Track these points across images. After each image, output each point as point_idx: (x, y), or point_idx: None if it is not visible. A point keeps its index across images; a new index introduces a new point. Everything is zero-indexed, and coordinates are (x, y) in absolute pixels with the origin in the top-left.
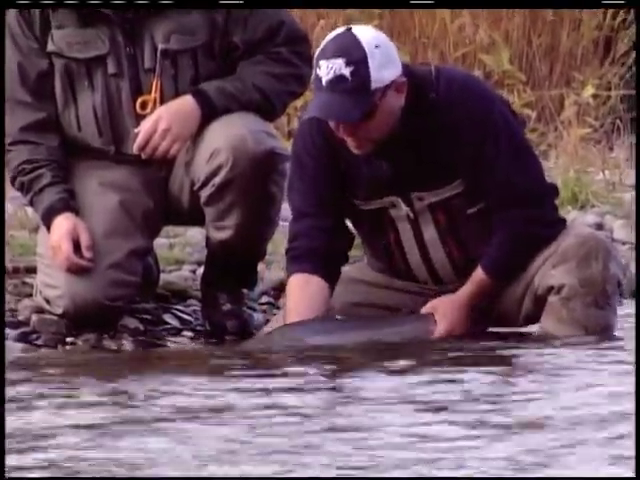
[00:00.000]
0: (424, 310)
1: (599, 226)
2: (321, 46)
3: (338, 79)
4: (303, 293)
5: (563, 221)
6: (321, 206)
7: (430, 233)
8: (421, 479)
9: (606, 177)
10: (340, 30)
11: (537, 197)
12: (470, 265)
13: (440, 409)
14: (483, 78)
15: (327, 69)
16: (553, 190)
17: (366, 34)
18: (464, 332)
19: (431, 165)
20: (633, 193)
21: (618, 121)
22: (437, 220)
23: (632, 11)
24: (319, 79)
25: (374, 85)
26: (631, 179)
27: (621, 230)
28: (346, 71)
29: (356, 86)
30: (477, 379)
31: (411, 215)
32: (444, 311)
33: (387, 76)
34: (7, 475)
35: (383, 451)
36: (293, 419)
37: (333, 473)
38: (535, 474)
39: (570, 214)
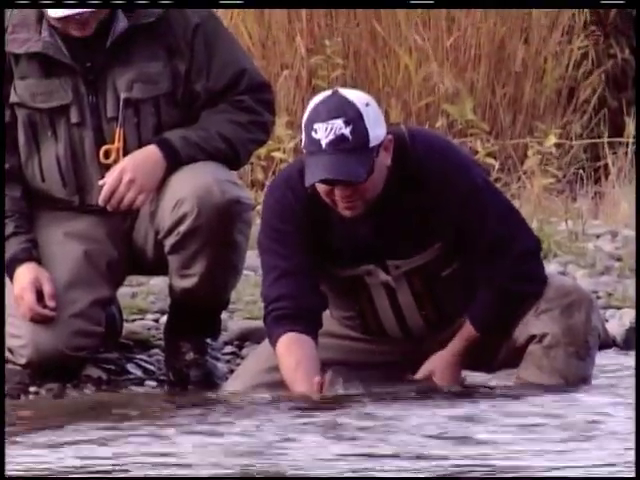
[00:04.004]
0: (421, 374)
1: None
2: (309, 110)
3: (339, 139)
4: (304, 352)
5: (546, 277)
6: (304, 265)
7: (405, 298)
8: (423, 479)
9: (569, 227)
10: (326, 93)
11: (524, 254)
12: (443, 320)
13: None
14: (446, 127)
15: (326, 131)
16: (539, 245)
17: (353, 94)
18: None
19: (411, 233)
20: (596, 243)
21: (581, 171)
22: (412, 285)
23: (593, 56)
24: (316, 142)
25: (372, 143)
26: (593, 229)
27: (584, 280)
28: (346, 131)
29: (357, 145)
30: None
31: (392, 283)
32: (442, 373)
33: (380, 134)
34: (7, 475)
35: None
36: None
37: None
38: None
39: None
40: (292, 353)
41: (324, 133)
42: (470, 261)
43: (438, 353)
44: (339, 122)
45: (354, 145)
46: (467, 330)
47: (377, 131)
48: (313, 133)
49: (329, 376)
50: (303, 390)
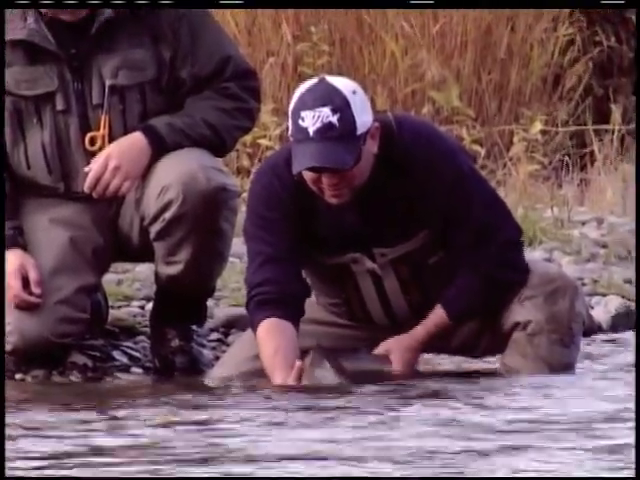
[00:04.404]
0: (379, 351)
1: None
2: (295, 98)
3: (327, 127)
4: (284, 337)
5: (528, 266)
6: (289, 253)
7: (392, 285)
8: (425, 479)
9: (554, 214)
10: (313, 81)
11: (509, 242)
12: (429, 307)
13: None
14: (432, 114)
15: (313, 119)
16: (521, 235)
17: (340, 82)
18: (414, 369)
19: (397, 221)
20: (581, 230)
21: (567, 158)
22: (399, 273)
23: (579, 43)
24: (303, 130)
25: (359, 131)
26: (579, 216)
27: (569, 267)
28: (334, 119)
29: (344, 133)
30: None
31: (378, 271)
32: (400, 354)
33: (367, 121)
34: (7, 475)
35: None
36: None
37: None
38: None
39: None
40: (272, 338)
41: (311, 121)
42: (455, 248)
43: (401, 335)
44: (326, 110)
45: (341, 133)
46: (436, 316)
47: (364, 119)
48: (300, 121)
49: (309, 360)
50: (280, 377)
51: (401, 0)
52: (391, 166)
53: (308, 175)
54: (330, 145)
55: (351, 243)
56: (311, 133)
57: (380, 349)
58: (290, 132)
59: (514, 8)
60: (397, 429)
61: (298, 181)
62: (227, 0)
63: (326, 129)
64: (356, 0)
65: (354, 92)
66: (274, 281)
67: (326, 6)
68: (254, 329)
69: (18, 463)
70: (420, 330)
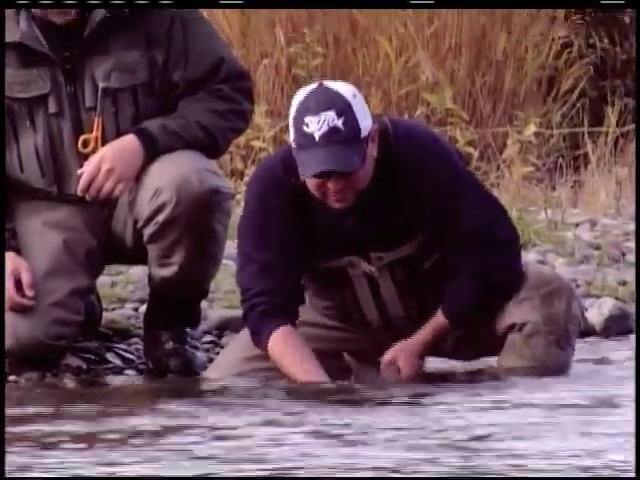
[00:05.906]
0: (386, 359)
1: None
2: (296, 104)
3: (332, 131)
4: (302, 345)
5: (523, 270)
6: (286, 258)
7: (388, 290)
8: (425, 479)
9: (548, 216)
10: (312, 87)
11: (506, 244)
12: (423, 312)
13: None
14: (426, 116)
15: (318, 124)
16: (518, 236)
17: (339, 86)
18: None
19: (394, 224)
20: (575, 232)
21: (560, 160)
22: (395, 277)
23: (576, 46)
24: (308, 135)
25: (362, 133)
26: (572, 218)
27: (563, 268)
28: (339, 122)
29: (349, 136)
30: None
31: (375, 274)
32: (406, 360)
33: (368, 124)
34: (7, 475)
35: None
36: None
37: None
38: None
39: None
40: (292, 347)
41: (317, 126)
42: (452, 250)
43: (405, 341)
44: (331, 114)
45: (346, 136)
46: (438, 321)
47: (365, 122)
48: (304, 127)
49: (356, 368)
50: (319, 378)
51: (401, 0)
52: (388, 169)
53: (313, 181)
54: (337, 149)
55: (349, 247)
56: (317, 138)
57: (388, 356)
58: (292, 139)
59: (514, 8)
60: None
61: (294, 185)
62: (227, 0)
63: (332, 133)
64: (356, 0)
65: (354, 96)
66: (275, 290)
67: (326, 6)
68: (263, 340)
69: None
70: (424, 335)
